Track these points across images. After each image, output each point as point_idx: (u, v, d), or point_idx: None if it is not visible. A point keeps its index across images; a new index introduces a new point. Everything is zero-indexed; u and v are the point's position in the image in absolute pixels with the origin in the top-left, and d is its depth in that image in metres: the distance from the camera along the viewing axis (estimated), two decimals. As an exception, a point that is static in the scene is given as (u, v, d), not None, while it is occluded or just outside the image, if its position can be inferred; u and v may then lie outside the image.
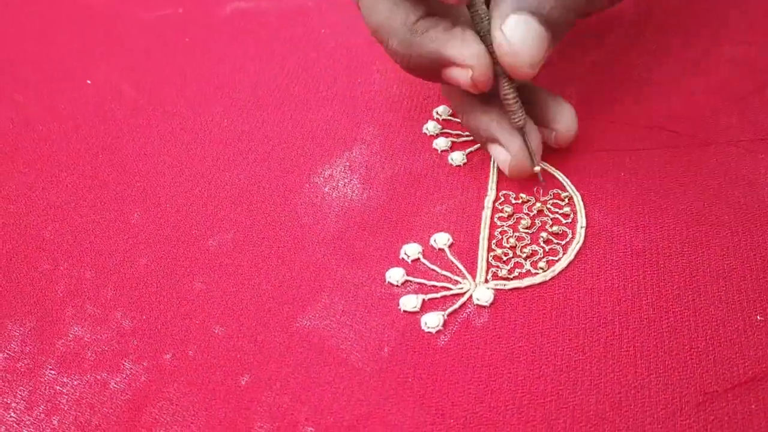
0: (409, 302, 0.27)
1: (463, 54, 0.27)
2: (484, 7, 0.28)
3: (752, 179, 0.31)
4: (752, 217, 0.30)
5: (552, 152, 0.32)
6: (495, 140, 0.30)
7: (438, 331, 0.26)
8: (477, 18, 0.28)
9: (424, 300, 0.27)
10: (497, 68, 0.28)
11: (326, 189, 0.32)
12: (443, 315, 0.27)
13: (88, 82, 0.39)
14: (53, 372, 0.26)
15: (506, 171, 0.31)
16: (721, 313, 0.27)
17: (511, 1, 0.27)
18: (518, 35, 0.26)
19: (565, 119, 0.31)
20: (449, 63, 0.27)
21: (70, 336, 0.28)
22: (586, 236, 0.29)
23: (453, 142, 0.34)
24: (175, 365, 0.26)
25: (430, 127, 0.34)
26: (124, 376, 0.26)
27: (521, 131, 0.30)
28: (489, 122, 0.30)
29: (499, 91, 0.29)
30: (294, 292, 0.28)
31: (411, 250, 0.29)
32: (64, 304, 0.29)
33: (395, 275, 0.28)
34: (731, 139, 0.33)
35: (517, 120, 0.29)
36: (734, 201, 0.30)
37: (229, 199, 0.32)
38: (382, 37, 0.29)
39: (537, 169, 0.30)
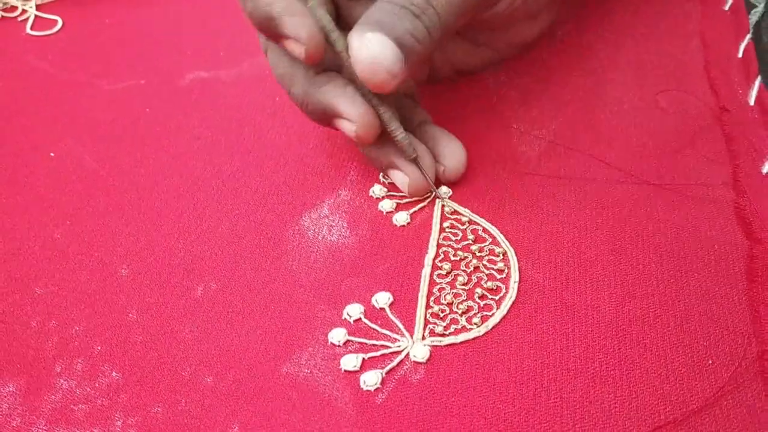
0: (350, 362, 0.28)
1: (351, 111, 0.31)
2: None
3: (680, 225, 0.33)
4: (677, 264, 0.32)
5: (488, 206, 0.35)
6: (393, 166, 0.34)
7: (376, 389, 0.28)
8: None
9: (364, 359, 0.29)
10: (384, 115, 0.32)
11: (274, 254, 0.34)
12: (381, 373, 0.28)
13: (52, 154, 0.41)
14: (44, 428, 0.28)
15: (405, 191, 0.34)
16: (645, 361, 0.28)
17: (370, 22, 0.29)
18: (374, 47, 0.29)
19: (452, 156, 0.35)
20: (339, 116, 0.32)
21: (60, 392, 0.29)
22: (518, 291, 0.31)
23: (398, 204, 0.35)
24: (167, 417, 0.28)
25: (376, 190, 0.36)
26: (115, 431, 0.27)
27: (415, 160, 0.33)
28: (386, 152, 0.34)
29: (390, 134, 0.32)
30: (271, 340, 0.30)
31: (353, 311, 0.30)
32: (54, 360, 0.30)
33: (337, 335, 0.29)
34: (667, 182, 0.35)
35: (409, 155, 0.33)
36: (663, 249, 0.32)
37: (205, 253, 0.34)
38: (285, 84, 0.33)
39: (442, 190, 0.35)
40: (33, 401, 0.29)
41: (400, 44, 0.29)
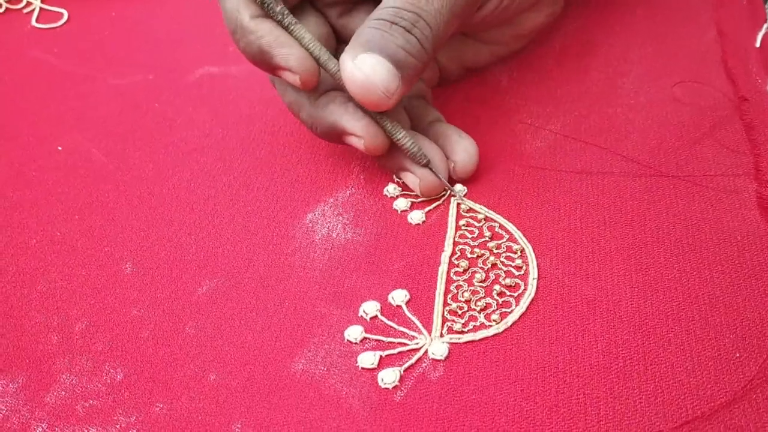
0: (367, 359, 0.28)
1: (355, 127, 0.31)
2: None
3: (701, 217, 0.33)
4: (700, 257, 0.31)
5: (504, 203, 0.34)
6: (405, 169, 0.34)
7: (394, 387, 0.27)
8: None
9: (381, 356, 0.28)
10: (387, 126, 0.32)
11: (287, 251, 0.33)
12: (400, 371, 0.28)
13: (59, 148, 0.40)
14: (45, 426, 0.27)
15: (418, 192, 0.34)
16: (670, 355, 0.28)
17: (362, 42, 0.29)
18: (367, 68, 0.29)
19: (463, 152, 0.34)
20: (346, 133, 0.32)
21: (62, 389, 0.28)
22: (537, 287, 0.30)
23: (412, 203, 0.35)
24: (168, 415, 0.27)
25: (390, 189, 0.36)
26: (117, 429, 0.27)
27: (427, 164, 0.33)
28: (397, 157, 0.34)
29: (398, 143, 0.32)
30: (284, 337, 0.29)
31: (369, 308, 0.30)
32: (55, 357, 0.29)
33: (353, 333, 0.29)
34: (686, 173, 0.35)
35: (420, 161, 0.33)
36: (684, 241, 0.32)
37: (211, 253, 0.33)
38: (294, 111, 0.34)
39: (457, 188, 0.35)
40: (36, 397, 0.28)
41: (395, 61, 0.29)
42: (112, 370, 0.29)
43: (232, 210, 0.36)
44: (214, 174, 0.38)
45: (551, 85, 0.41)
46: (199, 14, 0.51)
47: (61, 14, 0.52)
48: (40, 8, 0.52)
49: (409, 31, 0.30)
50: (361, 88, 0.29)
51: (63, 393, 0.28)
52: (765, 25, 0.43)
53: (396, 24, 0.30)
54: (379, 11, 0.30)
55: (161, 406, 0.27)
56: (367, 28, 0.30)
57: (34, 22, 0.51)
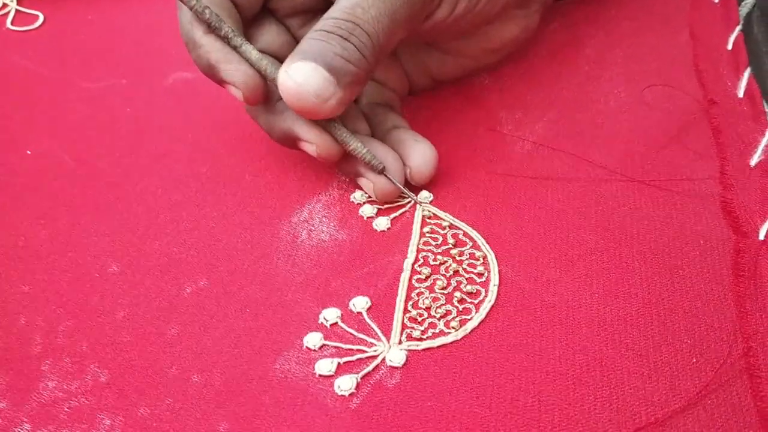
0: (324, 366, 0.28)
1: (308, 134, 0.32)
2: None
3: (664, 221, 0.33)
4: (662, 261, 0.31)
5: (469, 210, 0.34)
6: (360, 175, 0.34)
7: (351, 394, 0.27)
8: None
9: (339, 363, 0.28)
10: (338, 134, 0.32)
11: (253, 257, 0.33)
12: (357, 378, 0.28)
13: (28, 152, 0.40)
14: (29, 427, 0.27)
15: (375, 197, 0.34)
16: (627, 361, 0.28)
17: (298, 52, 0.30)
18: (299, 76, 0.29)
19: (418, 157, 0.34)
20: (300, 139, 0.33)
21: (46, 391, 0.28)
22: (498, 294, 0.31)
23: (378, 209, 0.35)
24: (153, 416, 0.27)
25: (357, 195, 0.36)
26: (101, 430, 0.27)
27: (383, 171, 0.33)
28: (353, 164, 0.34)
29: (352, 152, 0.33)
30: (269, 336, 0.30)
31: (330, 315, 0.30)
32: (40, 358, 0.29)
33: (312, 340, 0.29)
34: (652, 178, 0.35)
35: (376, 167, 0.33)
36: (647, 246, 0.32)
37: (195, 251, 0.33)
38: (254, 117, 0.35)
39: (422, 195, 0.35)
40: (18, 400, 0.28)
41: (330, 68, 0.29)
42: (96, 372, 0.29)
43: (199, 216, 0.36)
44: (184, 179, 0.38)
45: (522, 90, 0.42)
46: (176, 19, 0.51)
47: (37, 16, 0.52)
48: (16, 10, 0.52)
49: (346, 39, 0.30)
50: (294, 95, 0.29)
51: (47, 394, 0.28)
52: (738, 28, 0.43)
53: (332, 33, 0.30)
54: (320, 23, 0.31)
55: (146, 408, 0.27)
56: (307, 39, 0.30)
57: (9, 24, 0.51)
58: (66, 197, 0.37)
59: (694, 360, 0.28)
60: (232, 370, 0.29)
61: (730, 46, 0.43)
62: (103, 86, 0.45)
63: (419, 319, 0.30)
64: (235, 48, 0.32)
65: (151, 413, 0.27)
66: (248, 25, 0.34)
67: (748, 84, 0.39)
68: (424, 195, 0.35)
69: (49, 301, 0.32)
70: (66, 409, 0.28)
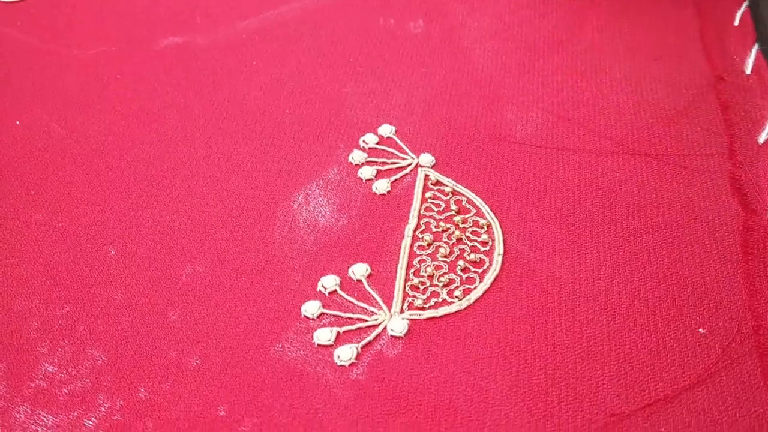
0: (323, 335, 0.27)
1: None
2: None
3: (672, 196, 0.32)
4: (670, 236, 0.30)
5: (473, 176, 0.33)
6: None
7: (351, 364, 0.26)
8: None
9: (339, 333, 0.27)
10: None
11: (247, 222, 0.32)
12: (357, 347, 0.27)
13: (17, 122, 0.39)
14: (28, 409, 0.26)
15: None
16: (635, 336, 0.27)
17: None
18: None
19: None
20: None
21: (44, 374, 0.27)
22: (503, 263, 0.29)
23: (378, 170, 0.34)
24: (151, 400, 0.26)
25: (356, 156, 0.34)
26: (99, 413, 0.26)
27: None
28: None
29: None
30: (266, 305, 0.28)
31: (328, 282, 0.29)
32: (37, 341, 0.28)
33: (311, 308, 0.28)
34: (659, 152, 0.34)
35: None
36: (655, 220, 0.31)
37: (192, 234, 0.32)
38: None
39: (424, 158, 0.33)
40: (16, 383, 0.27)
41: None
42: (94, 355, 0.28)
43: (192, 181, 0.34)
44: (175, 145, 0.36)
45: (527, 59, 0.40)
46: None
47: (25, -18, 0.50)
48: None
49: None
50: None
51: (45, 377, 0.27)
52: (745, 3, 0.42)
53: None
54: None
55: (145, 390, 0.26)
56: None
57: (-3, -7, 0.49)
58: (56, 167, 0.36)
59: (702, 330, 0.27)
60: (229, 341, 0.27)
61: (737, 22, 0.42)
62: (93, 54, 0.44)
63: (421, 288, 0.29)
64: None
65: (150, 395, 0.26)
66: None
67: (756, 60, 0.38)
68: (426, 158, 0.34)
69: (47, 283, 0.30)
70: (65, 392, 0.26)
